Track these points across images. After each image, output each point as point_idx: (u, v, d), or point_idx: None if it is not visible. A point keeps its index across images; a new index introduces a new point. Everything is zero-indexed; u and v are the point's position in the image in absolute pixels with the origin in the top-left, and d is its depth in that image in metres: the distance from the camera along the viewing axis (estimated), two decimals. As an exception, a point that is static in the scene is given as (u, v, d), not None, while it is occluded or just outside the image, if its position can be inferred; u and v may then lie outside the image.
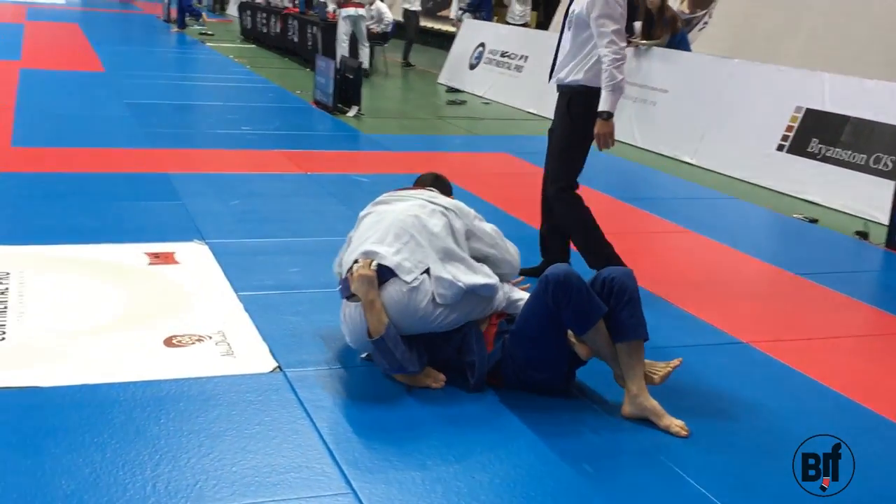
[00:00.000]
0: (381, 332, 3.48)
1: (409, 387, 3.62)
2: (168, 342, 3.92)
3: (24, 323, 4.02)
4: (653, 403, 3.46)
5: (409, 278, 3.53)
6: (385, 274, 3.54)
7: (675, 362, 3.59)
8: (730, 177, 8.51)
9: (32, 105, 9.59)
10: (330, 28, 14.50)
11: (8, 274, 4.57)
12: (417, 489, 2.92)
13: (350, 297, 3.61)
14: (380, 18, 15.25)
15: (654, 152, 9.54)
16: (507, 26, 14.63)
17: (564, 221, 5.02)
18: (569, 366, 3.64)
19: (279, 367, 3.75)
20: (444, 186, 4.12)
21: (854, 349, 4.49)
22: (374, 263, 3.54)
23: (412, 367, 3.55)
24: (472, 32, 14.61)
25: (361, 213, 3.94)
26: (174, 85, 12.07)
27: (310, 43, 15.43)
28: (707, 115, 9.20)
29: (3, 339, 3.85)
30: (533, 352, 3.57)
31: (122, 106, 10.01)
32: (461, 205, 3.91)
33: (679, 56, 10.28)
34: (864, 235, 6.49)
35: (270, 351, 3.89)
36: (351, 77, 10.86)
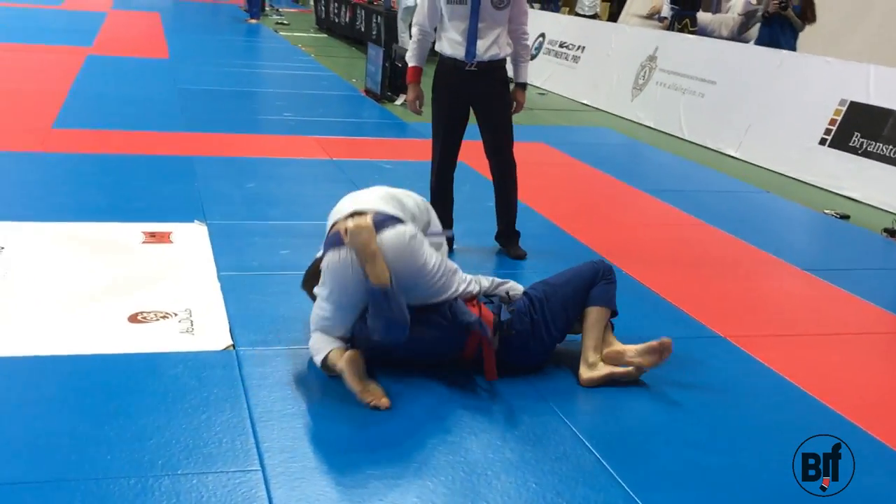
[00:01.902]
0: (387, 281, 3.36)
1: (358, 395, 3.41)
2: (133, 318, 4.00)
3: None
4: (617, 348, 3.67)
5: (409, 225, 3.53)
6: (381, 224, 3.46)
7: (664, 341, 3.66)
8: (770, 171, 8.29)
9: (87, 90, 9.86)
10: (393, 17, 14.56)
11: (2, 248, 4.71)
12: (327, 473, 2.92)
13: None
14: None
15: (699, 145, 9.33)
16: (567, 17, 14.47)
17: (514, 191, 5.30)
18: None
19: (233, 345, 3.79)
20: None
21: (834, 346, 4.32)
22: (369, 217, 3.46)
23: (406, 328, 3.41)
24: (533, 23, 14.47)
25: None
26: (232, 72, 12.25)
27: (374, 32, 15.51)
28: (753, 108, 8.96)
29: (-26, 309, 3.97)
30: (559, 311, 3.71)
31: (173, 91, 10.21)
32: (416, 195, 3.89)
33: (728, 47, 10.04)
34: (892, 233, 6.24)
35: (231, 330, 3.93)
36: (400, 66, 10.87)
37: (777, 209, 7.02)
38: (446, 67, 5.01)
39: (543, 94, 12.55)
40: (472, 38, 4.84)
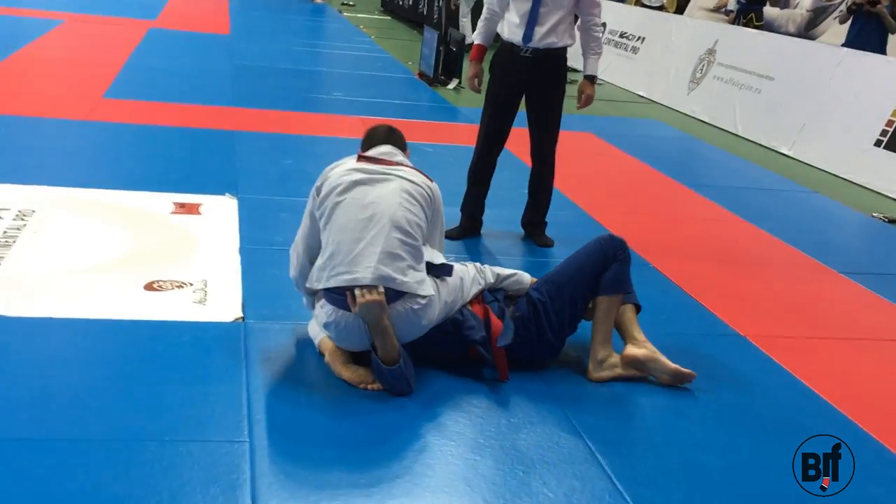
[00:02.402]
0: (398, 359, 3.26)
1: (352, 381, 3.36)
2: (149, 286, 4.03)
3: (23, 257, 4.21)
4: (638, 354, 3.53)
5: (422, 293, 3.31)
6: (393, 295, 3.28)
7: (688, 373, 3.54)
8: (823, 171, 8.09)
9: (143, 62, 9.99)
10: (455, 1, 14.53)
11: (34, 212, 4.79)
12: (312, 450, 2.91)
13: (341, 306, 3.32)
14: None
15: (752, 142, 9.15)
16: (629, 6, 14.25)
17: (551, 182, 5.27)
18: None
19: (243, 318, 3.80)
20: (400, 142, 3.80)
21: (856, 351, 4.19)
22: (381, 287, 3.24)
23: (414, 383, 3.33)
24: (596, 11, 14.31)
25: (328, 196, 3.44)
26: (290, 50, 12.33)
27: (435, 15, 15.48)
28: (809, 106, 8.74)
29: (-4, 269, 4.05)
30: (566, 310, 3.59)
31: (228, 67, 10.30)
32: (435, 188, 3.62)
33: (788, 42, 9.81)
34: (939, 240, 6.05)
35: (243, 303, 3.95)
36: (455, 50, 10.83)
37: (824, 210, 6.84)
38: (503, 51, 4.99)
39: (601, 84, 12.35)
40: (531, 21, 4.78)
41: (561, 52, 4.94)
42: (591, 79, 5.08)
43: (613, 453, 3.06)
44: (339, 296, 3.30)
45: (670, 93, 11.06)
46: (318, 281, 3.38)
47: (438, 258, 3.59)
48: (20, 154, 5.93)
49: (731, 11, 13.40)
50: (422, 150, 7.19)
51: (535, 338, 3.55)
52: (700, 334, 4.17)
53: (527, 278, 3.81)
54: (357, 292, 3.23)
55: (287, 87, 9.53)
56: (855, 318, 4.62)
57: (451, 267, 3.57)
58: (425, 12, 16.41)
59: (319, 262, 3.42)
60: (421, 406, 3.26)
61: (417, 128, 8.31)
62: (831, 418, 3.48)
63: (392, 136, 3.74)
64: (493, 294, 3.74)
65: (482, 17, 5.08)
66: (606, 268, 3.60)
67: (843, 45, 9.46)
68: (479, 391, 3.41)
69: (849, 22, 10.06)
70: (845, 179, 7.81)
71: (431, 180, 3.60)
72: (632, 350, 3.59)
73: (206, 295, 4.00)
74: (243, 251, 4.56)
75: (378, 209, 3.36)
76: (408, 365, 3.31)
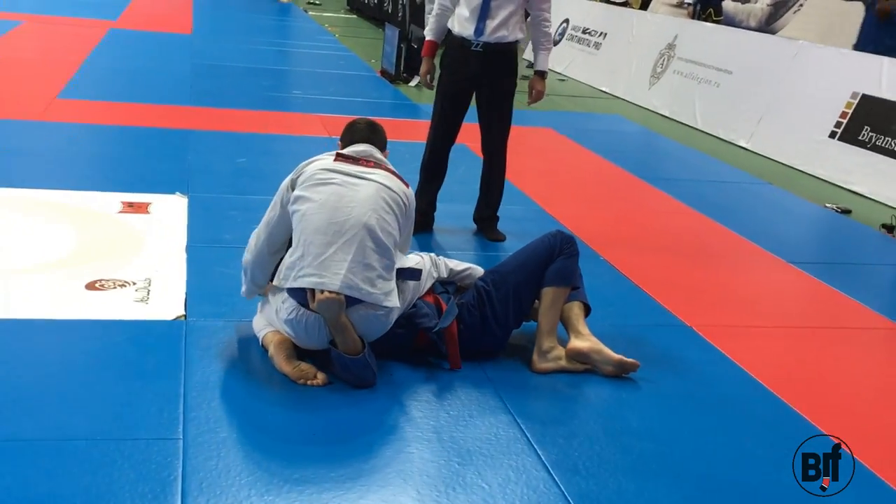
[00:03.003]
0: (362, 350, 3.27)
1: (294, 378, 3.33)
2: (91, 285, 4.00)
3: (-36, 258, 4.17)
4: (581, 346, 3.54)
5: (387, 304, 3.31)
6: (353, 299, 3.26)
7: (632, 363, 3.56)
8: (779, 163, 8.16)
9: (101, 62, 9.91)
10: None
11: (-23, 213, 4.74)
12: (246, 449, 2.89)
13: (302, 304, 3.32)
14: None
15: (712, 135, 9.20)
16: (591, 3, 14.29)
17: (502, 176, 5.26)
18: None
19: (184, 316, 3.78)
20: (381, 141, 3.66)
21: (799, 338, 4.23)
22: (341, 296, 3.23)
23: (375, 378, 3.33)
24: (559, 8, 14.34)
25: (303, 194, 3.38)
26: (252, 49, 12.27)
27: (399, 14, 15.46)
28: (767, 99, 8.81)
29: (-65, 271, 4.00)
30: (509, 300, 3.59)
31: (188, 66, 10.23)
32: (410, 195, 3.57)
33: (746, 36, 9.88)
34: (889, 229, 6.10)
35: (186, 300, 3.92)
36: (416, 46, 10.81)
37: (777, 201, 6.88)
38: (454, 45, 4.97)
39: (563, 80, 12.44)
40: (482, 15, 4.77)
41: (511, 47, 4.94)
42: (542, 74, 5.10)
43: (551, 443, 3.06)
44: (303, 292, 3.29)
45: (632, 88, 11.10)
46: (286, 280, 3.34)
47: (408, 263, 3.59)
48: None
49: (690, 5, 13.49)
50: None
51: (478, 324, 3.55)
52: (646, 325, 4.18)
53: (479, 272, 3.82)
54: (316, 291, 3.23)
55: (247, 86, 9.48)
56: (800, 306, 4.67)
57: (420, 272, 3.57)
58: (390, 10, 16.39)
59: (288, 260, 3.38)
60: (360, 400, 3.24)
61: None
62: (769, 402, 3.51)
63: (374, 135, 3.65)
64: (443, 286, 3.75)
65: (433, 12, 5.09)
66: (552, 261, 3.62)
67: (855, 48, 9.47)
68: (421, 381, 3.41)
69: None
70: (800, 171, 7.87)
71: (407, 185, 3.57)
72: (575, 343, 3.60)
73: (148, 294, 3.97)
74: (190, 249, 4.53)
75: (352, 214, 3.31)
76: (371, 354, 3.31)
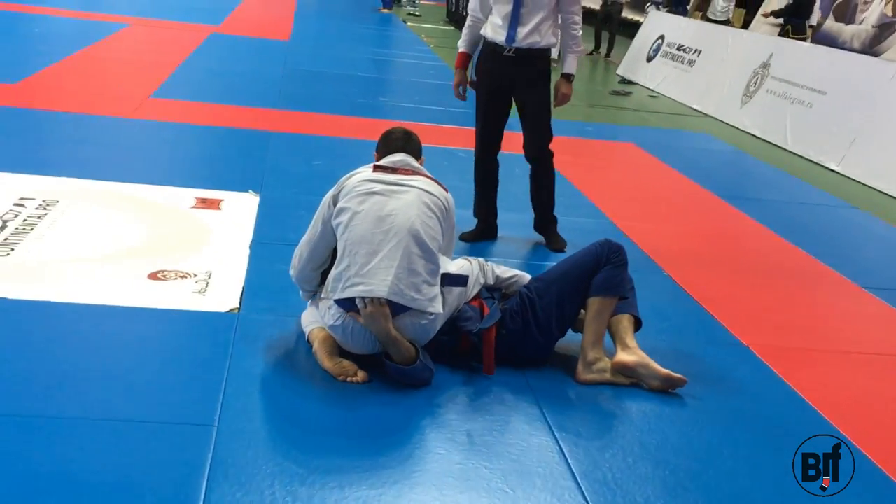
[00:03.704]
0: (417, 357, 3.30)
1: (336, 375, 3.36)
2: (153, 276, 4.12)
3: (37, 245, 4.33)
4: (627, 360, 3.49)
5: (432, 311, 3.34)
6: (397, 308, 3.29)
7: (679, 378, 3.51)
8: (870, 187, 7.89)
9: (197, 64, 10.22)
10: (513, 12, 14.61)
11: (57, 202, 4.93)
12: (277, 442, 2.93)
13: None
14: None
15: (801, 157, 8.97)
16: (688, 20, 14.11)
17: (553, 179, 5.22)
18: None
19: (238, 308, 3.86)
20: (416, 149, 3.76)
21: (863, 365, 4.08)
22: (384, 300, 3.25)
23: (432, 377, 3.38)
24: (654, 24, 14.22)
25: (346, 207, 3.43)
26: (346, 57, 12.46)
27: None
28: (860, 122, 8.54)
29: (8, 255, 4.16)
30: (552, 309, 3.56)
31: (279, 71, 10.45)
32: (451, 199, 3.59)
33: (842, 56, 9.61)
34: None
35: (242, 295, 4.00)
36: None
37: (862, 226, 6.68)
38: (487, 52, 4.98)
39: (655, 96, 12.29)
40: (513, 22, 4.78)
41: (544, 52, 4.90)
42: (568, 77, 5.02)
43: (584, 454, 3.03)
44: (349, 300, 3.32)
45: (723, 106, 10.91)
46: (333, 292, 3.37)
47: (451, 267, 3.61)
48: (56, 147, 6.11)
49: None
50: (452, 154, 7.23)
51: (520, 331, 3.53)
52: (702, 342, 4.10)
53: (526, 279, 3.81)
54: (359, 303, 3.26)
55: (335, 92, 9.63)
56: (870, 333, 4.51)
57: (466, 278, 3.57)
58: (486, 23, 16.48)
59: (334, 272, 3.41)
60: (398, 400, 3.26)
61: (452, 133, 8.32)
62: (819, 428, 3.38)
63: (408, 144, 3.69)
64: (489, 292, 3.75)
65: (466, 24, 5.10)
66: (598, 270, 3.56)
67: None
68: (460, 385, 3.41)
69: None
70: (892, 196, 7.61)
71: (447, 190, 3.60)
72: (622, 357, 3.55)
73: (207, 286, 4.06)
74: (254, 245, 4.62)
75: (396, 221, 3.35)
76: (425, 355, 3.34)
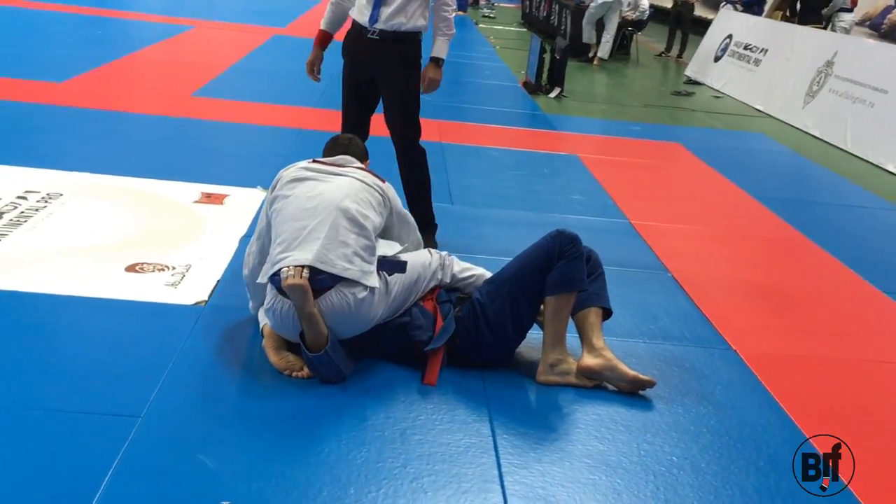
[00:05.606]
0: (324, 345, 3.18)
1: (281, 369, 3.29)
2: (130, 268, 4.11)
3: (26, 236, 4.37)
4: (592, 363, 3.35)
5: (365, 282, 3.21)
6: (325, 281, 3.20)
7: (647, 380, 3.37)
8: (927, 190, 7.51)
9: (251, 65, 10.31)
10: (579, 13, 14.46)
11: (60, 195, 4.99)
12: (202, 431, 2.87)
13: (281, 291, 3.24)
14: (636, 6, 14.85)
15: (860, 158, 8.59)
16: (756, 18, 13.68)
17: (422, 175, 4.83)
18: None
19: (205, 301, 3.82)
20: (359, 152, 3.73)
21: (852, 371, 3.84)
22: (305, 271, 3.14)
23: (347, 371, 3.26)
24: (724, 24, 13.83)
25: (278, 195, 3.45)
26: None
27: (562, 27, 15.39)
28: (921, 121, 8.14)
29: (-7, 246, 4.22)
30: (506, 312, 3.40)
31: (329, 71, 10.44)
32: (388, 188, 3.55)
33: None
34: None
35: (215, 288, 3.97)
36: (559, 58, 10.68)
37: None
38: (352, 34, 4.63)
39: (719, 97, 11.95)
40: (377, 2, 4.44)
41: (411, 35, 4.52)
42: (437, 61, 4.64)
43: (518, 457, 2.89)
44: (277, 275, 3.26)
45: (786, 107, 10.53)
46: (265, 274, 3.34)
47: (392, 251, 3.50)
48: (75, 143, 6.18)
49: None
50: (478, 151, 7.11)
51: (473, 339, 3.40)
52: (690, 346, 3.90)
53: (486, 277, 3.67)
54: (283, 272, 3.17)
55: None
56: (877, 339, 4.24)
57: (405, 264, 3.45)
58: (556, 23, 16.33)
59: (270, 255, 3.37)
60: (342, 395, 3.18)
61: (489, 132, 8.21)
62: (788, 433, 3.19)
63: (351, 147, 3.70)
64: (447, 294, 3.61)
65: (329, 1, 4.77)
66: (551, 265, 3.37)
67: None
68: (408, 382, 3.31)
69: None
70: (948, 199, 7.23)
71: (384, 181, 3.54)
72: (587, 360, 3.39)
73: (182, 279, 4.04)
74: (244, 240, 4.59)
75: (325, 199, 3.33)
76: (337, 353, 3.21)
